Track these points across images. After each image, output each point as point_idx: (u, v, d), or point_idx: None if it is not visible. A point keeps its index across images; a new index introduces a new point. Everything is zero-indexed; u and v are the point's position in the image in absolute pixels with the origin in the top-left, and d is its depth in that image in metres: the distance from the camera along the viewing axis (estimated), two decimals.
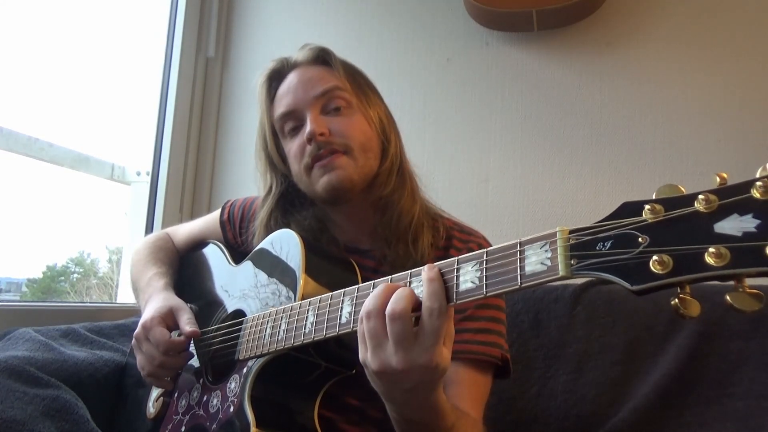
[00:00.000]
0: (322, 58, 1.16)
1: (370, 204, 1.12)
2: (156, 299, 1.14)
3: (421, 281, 0.73)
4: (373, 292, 0.75)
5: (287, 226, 1.12)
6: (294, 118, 1.12)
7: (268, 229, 1.15)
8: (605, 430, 1.22)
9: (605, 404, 1.25)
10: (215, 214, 1.36)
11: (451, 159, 1.88)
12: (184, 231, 1.41)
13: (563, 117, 1.79)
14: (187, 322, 1.06)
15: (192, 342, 1.09)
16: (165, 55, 2.08)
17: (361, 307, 0.80)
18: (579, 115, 1.78)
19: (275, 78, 1.17)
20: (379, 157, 1.13)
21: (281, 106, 1.13)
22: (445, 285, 0.72)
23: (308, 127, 1.08)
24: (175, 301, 1.12)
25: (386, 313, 0.71)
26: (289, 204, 1.18)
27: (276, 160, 1.18)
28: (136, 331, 1.08)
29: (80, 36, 1.93)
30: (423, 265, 0.74)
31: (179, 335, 1.05)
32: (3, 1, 1.69)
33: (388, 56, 2.00)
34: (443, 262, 0.74)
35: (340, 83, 1.12)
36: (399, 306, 0.71)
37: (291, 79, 1.14)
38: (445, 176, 1.87)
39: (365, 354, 0.74)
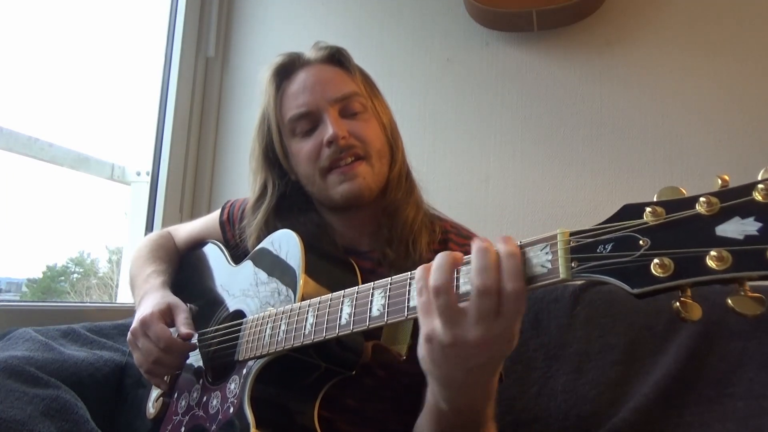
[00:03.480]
0: (337, 58, 1.14)
1: (381, 209, 1.12)
2: (153, 296, 1.13)
3: None
4: (434, 265, 0.68)
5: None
6: (309, 119, 1.09)
7: (262, 234, 1.14)
8: (605, 430, 1.21)
9: (605, 404, 1.25)
10: (215, 215, 1.36)
11: (451, 159, 1.88)
12: (185, 230, 1.41)
13: (563, 117, 1.79)
14: (183, 322, 1.05)
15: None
16: (165, 55, 2.08)
17: (361, 308, 0.81)
18: (579, 115, 1.78)
19: (283, 73, 1.14)
20: (389, 163, 1.13)
21: (296, 106, 1.10)
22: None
23: (330, 130, 1.05)
24: (173, 299, 1.12)
25: (476, 287, 0.64)
26: (286, 208, 1.16)
27: (281, 158, 1.15)
28: (133, 326, 1.07)
29: (80, 36, 1.93)
30: (421, 264, 0.74)
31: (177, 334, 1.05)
32: (3, 1, 1.69)
33: (388, 56, 2.00)
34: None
35: (357, 88, 1.11)
36: (486, 280, 0.64)
37: (304, 78, 1.12)
38: (445, 176, 1.87)
39: (431, 329, 0.68)
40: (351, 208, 1.11)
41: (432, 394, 0.78)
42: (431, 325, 0.68)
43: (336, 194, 1.08)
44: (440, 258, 0.69)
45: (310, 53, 1.15)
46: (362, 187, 1.07)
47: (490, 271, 0.64)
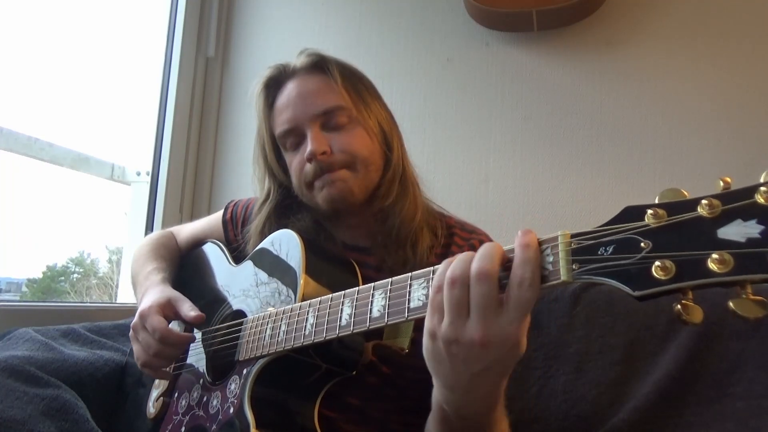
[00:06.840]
0: (320, 65, 1.13)
1: (371, 214, 1.12)
2: (153, 291, 1.14)
3: (421, 283, 0.73)
4: (458, 257, 0.66)
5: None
6: (295, 134, 1.10)
7: (263, 236, 1.15)
8: (605, 430, 1.21)
9: (605, 404, 1.25)
10: (218, 214, 1.36)
11: (451, 159, 1.88)
12: (187, 230, 1.42)
13: (563, 117, 1.79)
14: (189, 309, 1.06)
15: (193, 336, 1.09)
16: (165, 55, 2.08)
17: (361, 309, 0.80)
18: (579, 115, 1.78)
19: (273, 86, 1.15)
20: (381, 168, 1.12)
21: (281, 123, 1.11)
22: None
23: (309, 147, 1.06)
24: (173, 292, 1.12)
25: (471, 272, 0.63)
26: (285, 212, 1.17)
27: (276, 171, 1.17)
28: (134, 320, 1.08)
29: (80, 36, 1.93)
30: (421, 268, 0.74)
31: (178, 325, 1.05)
32: (3, 1, 1.69)
33: (388, 56, 2.00)
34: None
35: (341, 100, 1.09)
36: (486, 265, 0.63)
37: (290, 91, 1.12)
38: (445, 176, 1.87)
39: (437, 325, 0.66)
40: (340, 213, 1.11)
41: (437, 395, 0.77)
42: (435, 322, 0.67)
43: (320, 200, 1.09)
44: (465, 253, 0.67)
45: (296, 62, 1.15)
46: (344, 191, 1.07)
47: (489, 259, 0.63)
